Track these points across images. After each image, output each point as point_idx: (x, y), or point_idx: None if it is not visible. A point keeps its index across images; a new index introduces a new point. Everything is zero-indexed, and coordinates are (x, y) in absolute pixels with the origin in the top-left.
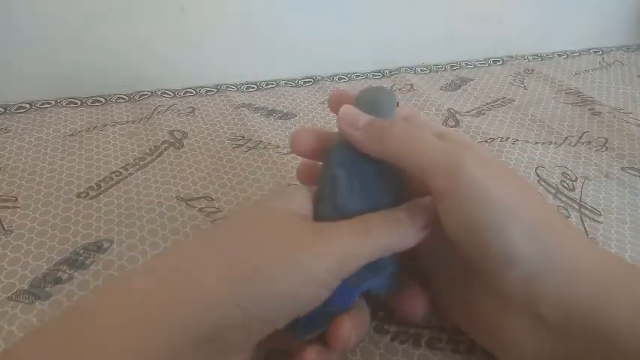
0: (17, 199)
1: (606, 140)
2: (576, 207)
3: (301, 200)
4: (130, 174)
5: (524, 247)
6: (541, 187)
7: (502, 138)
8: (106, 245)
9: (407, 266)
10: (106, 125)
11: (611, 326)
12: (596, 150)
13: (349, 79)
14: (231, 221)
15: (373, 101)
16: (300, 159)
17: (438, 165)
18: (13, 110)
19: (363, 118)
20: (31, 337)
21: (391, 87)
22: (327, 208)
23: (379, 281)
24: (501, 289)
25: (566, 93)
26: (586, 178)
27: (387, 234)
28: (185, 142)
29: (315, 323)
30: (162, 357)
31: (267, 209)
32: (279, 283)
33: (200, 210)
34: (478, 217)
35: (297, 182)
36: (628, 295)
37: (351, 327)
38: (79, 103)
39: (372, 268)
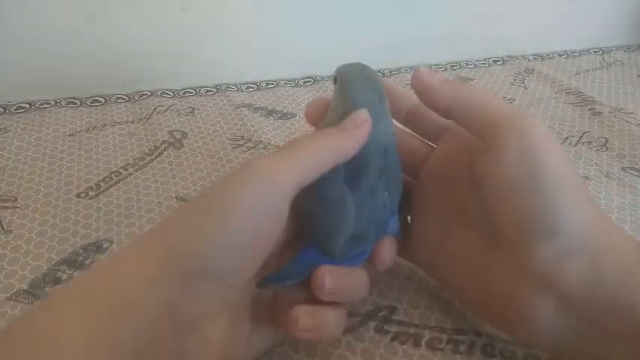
0: (17, 199)
1: (607, 140)
2: None
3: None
4: (130, 174)
5: (570, 220)
6: None
7: None
8: (105, 245)
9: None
10: (105, 125)
11: (633, 308)
12: (597, 150)
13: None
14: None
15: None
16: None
17: (510, 120)
18: (12, 110)
19: (439, 74)
20: None
21: None
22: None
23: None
24: (530, 264)
25: (566, 93)
26: (586, 178)
27: (309, 142)
28: (185, 142)
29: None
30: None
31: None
32: (236, 202)
33: None
34: (537, 177)
35: None
36: None
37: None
38: (78, 103)
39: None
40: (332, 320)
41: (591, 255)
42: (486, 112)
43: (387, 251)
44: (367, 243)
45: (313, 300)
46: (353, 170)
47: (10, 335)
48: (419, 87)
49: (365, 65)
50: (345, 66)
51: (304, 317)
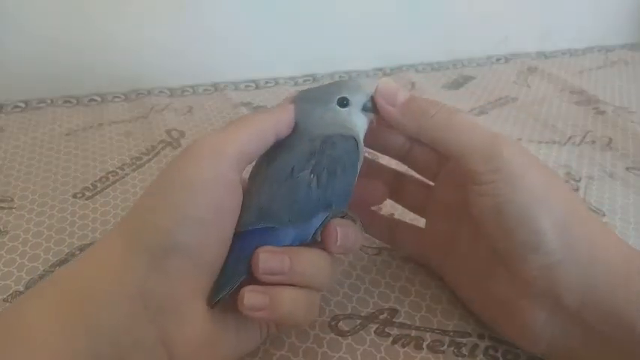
0: (13, 200)
1: (610, 140)
2: None
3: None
4: (127, 174)
5: (550, 236)
6: None
7: None
8: None
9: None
10: (102, 124)
11: (627, 315)
12: (601, 149)
13: (349, 77)
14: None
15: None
16: None
17: (477, 151)
18: (8, 109)
19: (403, 94)
20: None
21: None
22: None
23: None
24: (524, 275)
25: (570, 92)
26: (590, 177)
27: (250, 116)
28: (182, 141)
29: (224, 285)
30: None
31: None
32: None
33: None
34: (511, 203)
35: None
36: None
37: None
38: (75, 102)
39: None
40: (285, 299)
41: (580, 266)
42: (451, 148)
43: (330, 234)
44: (276, 220)
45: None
46: (278, 146)
47: None
48: (382, 112)
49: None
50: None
51: (252, 295)
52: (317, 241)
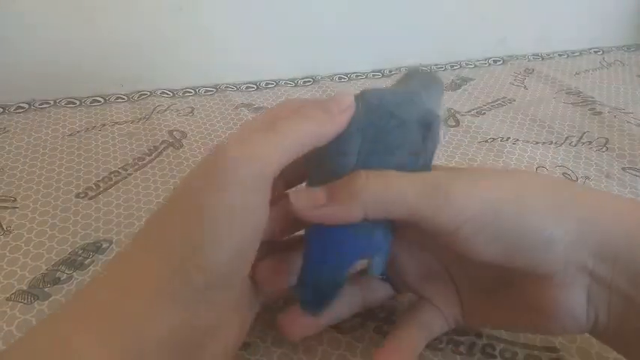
0: (16, 200)
1: (607, 140)
2: None
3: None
4: (129, 174)
5: (550, 224)
6: None
7: (502, 138)
8: (105, 246)
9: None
10: (105, 125)
11: None
12: (597, 150)
13: (349, 79)
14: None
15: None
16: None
17: (426, 214)
18: (11, 110)
19: (318, 194)
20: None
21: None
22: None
23: (373, 253)
24: (547, 270)
25: (566, 93)
26: (587, 178)
27: (292, 123)
28: (184, 142)
29: (319, 293)
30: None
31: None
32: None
33: None
34: (492, 225)
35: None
36: None
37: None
38: (77, 103)
39: (363, 237)
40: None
41: (595, 234)
42: (400, 218)
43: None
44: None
45: None
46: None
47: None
48: (308, 216)
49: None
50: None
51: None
52: None
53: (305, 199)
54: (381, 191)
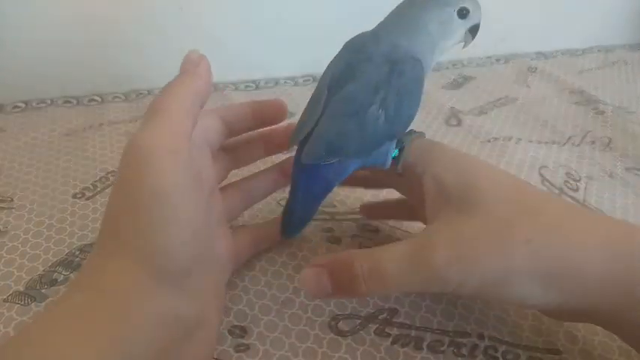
0: (13, 200)
1: (610, 140)
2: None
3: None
4: None
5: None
6: (545, 187)
7: (505, 137)
8: None
9: None
10: (102, 125)
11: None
12: (600, 150)
13: None
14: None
15: None
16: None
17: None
18: (8, 110)
19: (324, 283)
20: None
21: None
22: None
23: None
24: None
25: (569, 92)
26: (590, 178)
27: (167, 98)
28: None
29: (299, 219)
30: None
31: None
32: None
33: None
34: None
35: None
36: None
37: None
38: (75, 102)
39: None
40: None
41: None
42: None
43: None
44: (344, 153)
45: None
46: (341, 65)
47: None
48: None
49: None
50: None
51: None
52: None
53: (314, 286)
54: (377, 282)
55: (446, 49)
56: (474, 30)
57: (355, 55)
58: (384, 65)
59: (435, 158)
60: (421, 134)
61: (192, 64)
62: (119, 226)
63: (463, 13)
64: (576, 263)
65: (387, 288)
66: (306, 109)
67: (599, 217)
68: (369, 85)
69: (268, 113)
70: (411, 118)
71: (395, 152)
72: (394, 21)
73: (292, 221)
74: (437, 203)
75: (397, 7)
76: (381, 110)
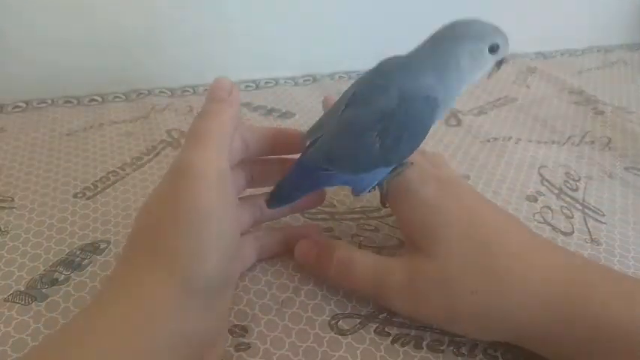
0: (14, 200)
1: (609, 140)
2: (579, 207)
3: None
4: (127, 174)
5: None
6: (544, 187)
7: (504, 137)
8: (102, 246)
9: None
10: (102, 124)
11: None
12: (600, 150)
13: (349, 78)
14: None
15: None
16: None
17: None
18: (9, 110)
19: (309, 254)
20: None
21: None
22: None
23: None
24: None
25: (569, 92)
26: (589, 178)
27: (204, 124)
28: (183, 141)
29: (283, 197)
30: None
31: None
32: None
33: None
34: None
35: None
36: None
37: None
38: (75, 102)
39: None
40: None
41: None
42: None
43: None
44: (338, 167)
45: None
46: (365, 85)
47: None
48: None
49: None
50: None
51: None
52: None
53: (302, 253)
54: (343, 276)
55: (472, 82)
56: (499, 63)
57: (379, 79)
58: (396, 99)
59: (404, 201)
60: (407, 165)
61: (224, 92)
62: (159, 241)
63: (494, 49)
64: (515, 315)
65: (350, 285)
66: (326, 113)
67: (546, 255)
68: (375, 113)
69: (288, 144)
70: (407, 152)
71: (374, 185)
72: (428, 52)
73: (277, 196)
74: (407, 234)
75: (432, 36)
76: (378, 138)
